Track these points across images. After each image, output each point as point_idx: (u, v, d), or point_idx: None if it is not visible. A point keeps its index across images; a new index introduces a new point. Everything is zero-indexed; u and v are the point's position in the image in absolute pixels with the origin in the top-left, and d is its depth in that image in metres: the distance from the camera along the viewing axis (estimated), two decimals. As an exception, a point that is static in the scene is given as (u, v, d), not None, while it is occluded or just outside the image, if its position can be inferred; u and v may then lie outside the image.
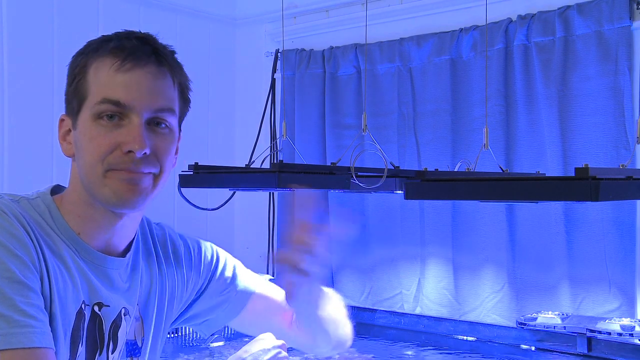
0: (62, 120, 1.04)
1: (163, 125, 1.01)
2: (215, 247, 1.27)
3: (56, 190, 1.06)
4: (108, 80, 0.97)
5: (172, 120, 1.02)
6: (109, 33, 1.03)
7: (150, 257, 1.14)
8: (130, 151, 0.96)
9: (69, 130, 1.02)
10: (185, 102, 1.07)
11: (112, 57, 0.98)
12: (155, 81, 0.99)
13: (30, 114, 2.57)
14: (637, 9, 2.27)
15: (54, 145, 2.62)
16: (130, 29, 1.03)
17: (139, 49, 0.99)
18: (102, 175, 0.97)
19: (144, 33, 1.03)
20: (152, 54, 0.99)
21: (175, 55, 1.05)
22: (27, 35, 2.55)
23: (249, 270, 1.29)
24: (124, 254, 1.08)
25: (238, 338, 2.50)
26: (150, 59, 0.99)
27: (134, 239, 1.10)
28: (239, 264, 1.28)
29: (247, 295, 1.25)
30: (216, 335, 2.44)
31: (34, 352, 0.87)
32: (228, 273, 1.25)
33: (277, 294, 1.27)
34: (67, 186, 1.06)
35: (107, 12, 2.77)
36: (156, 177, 1.01)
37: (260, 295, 1.26)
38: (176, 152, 1.08)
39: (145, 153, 0.97)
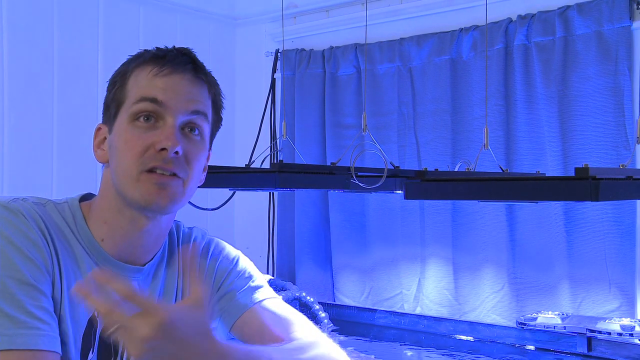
0: (98, 129, 1.06)
1: (196, 132, 1.03)
2: (241, 260, 1.22)
3: (87, 197, 1.07)
4: (147, 82, 1.00)
5: (205, 128, 1.05)
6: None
7: (174, 264, 1.13)
8: (163, 149, 0.97)
9: (104, 139, 1.04)
10: (217, 117, 1.10)
11: (151, 64, 1.01)
12: (192, 87, 1.03)
13: (31, 114, 2.57)
14: (637, 9, 2.27)
15: (54, 145, 2.64)
16: (170, 44, 1.08)
17: (177, 58, 1.03)
18: (136, 178, 0.98)
19: (183, 47, 1.07)
20: (190, 63, 1.04)
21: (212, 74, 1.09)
22: (27, 35, 2.55)
23: (272, 293, 1.20)
24: (146, 264, 1.08)
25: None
26: (187, 67, 1.03)
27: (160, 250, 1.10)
28: (255, 280, 1.20)
29: (238, 310, 1.15)
30: None
31: (37, 355, 0.87)
32: (234, 283, 1.18)
33: (274, 318, 1.16)
34: (96, 194, 1.07)
35: (107, 12, 2.77)
36: (184, 183, 1.02)
37: (254, 314, 1.15)
38: (204, 170, 1.09)
39: (177, 152, 0.98)
